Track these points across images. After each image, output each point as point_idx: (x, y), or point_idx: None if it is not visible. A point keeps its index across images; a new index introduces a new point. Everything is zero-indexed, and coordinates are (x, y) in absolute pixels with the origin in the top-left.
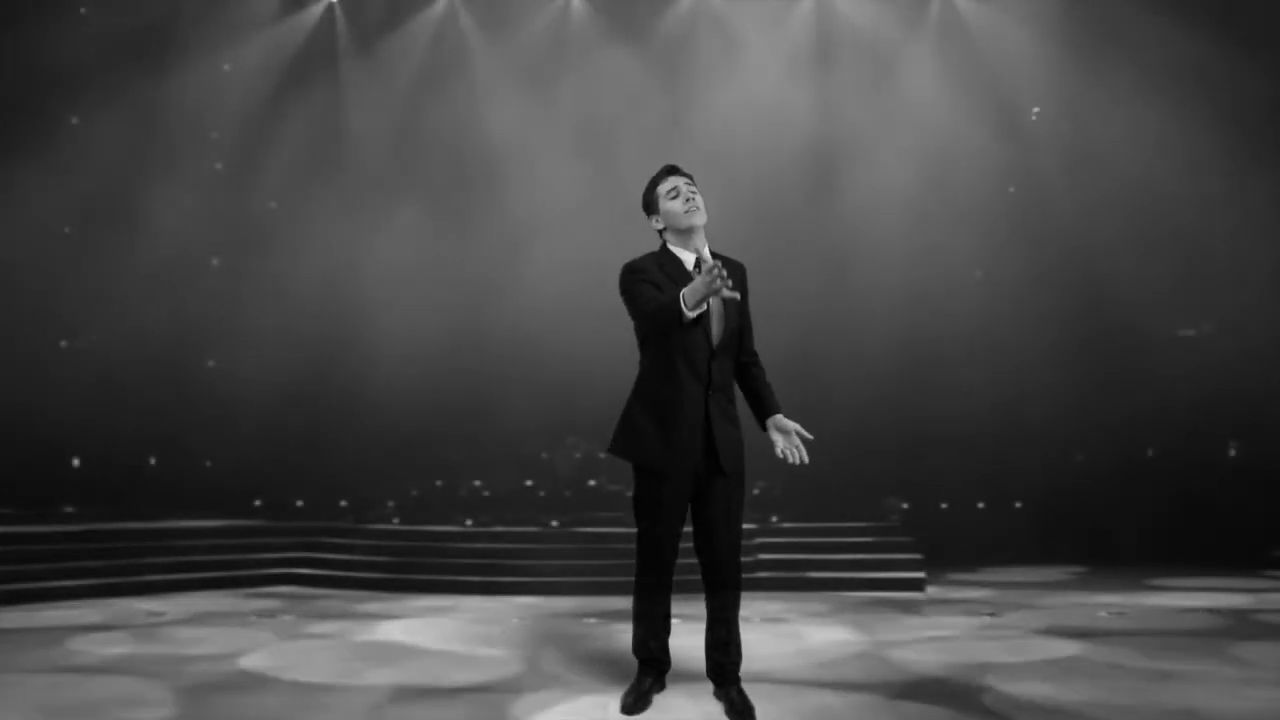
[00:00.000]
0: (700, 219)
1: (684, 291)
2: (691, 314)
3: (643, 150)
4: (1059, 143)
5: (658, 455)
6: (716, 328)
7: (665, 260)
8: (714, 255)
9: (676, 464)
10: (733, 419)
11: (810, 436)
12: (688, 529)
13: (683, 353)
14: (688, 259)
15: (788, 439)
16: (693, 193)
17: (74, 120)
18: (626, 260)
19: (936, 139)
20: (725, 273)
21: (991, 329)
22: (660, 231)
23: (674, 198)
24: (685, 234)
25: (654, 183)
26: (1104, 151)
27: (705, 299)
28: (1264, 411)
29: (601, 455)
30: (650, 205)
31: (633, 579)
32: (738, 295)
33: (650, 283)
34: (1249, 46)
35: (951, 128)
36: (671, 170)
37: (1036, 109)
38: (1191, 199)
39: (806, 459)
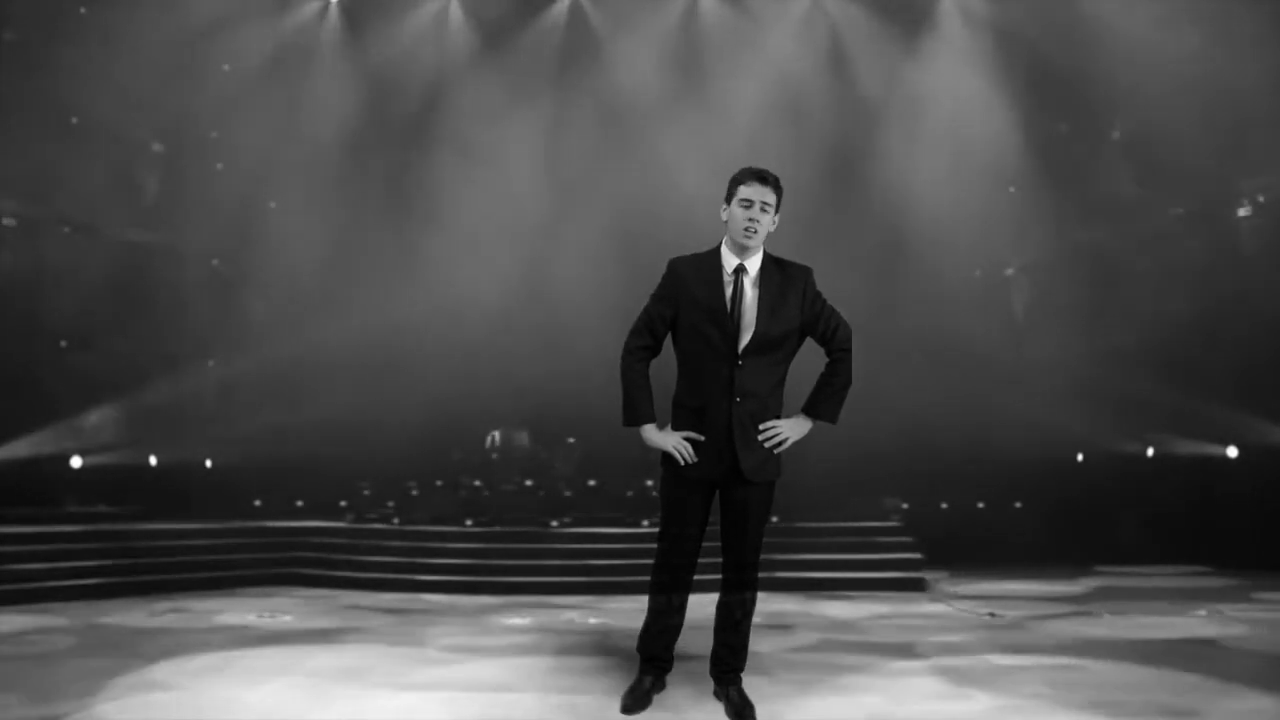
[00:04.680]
0: (753, 242)
1: (647, 428)
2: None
3: (645, 150)
4: (1059, 141)
5: (686, 464)
6: (745, 335)
7: (706, 263)
8: (775, 262)
9: (701, 473)
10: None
11: (775, 450)
12: (713, 526)
13: (707, 361)
14: (729, 265)
15: (780, 427)
16: (763, 211)
17: (73, 120)
18: (626, 261)
19: (936, 140)
20: (688, 453)
21: (991, 328)
22: (725, 221)
23: (745, 207)
24: (737, 244)
25: (739, 179)
26: (1104, 149)
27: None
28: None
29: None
30: (727, 197)
31: (632, 578)
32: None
33: (668, 298)
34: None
35: (952, 128)
36: (761, 178)
37: (1035, 109)
38: (1193, 197)
39: (766, 437)
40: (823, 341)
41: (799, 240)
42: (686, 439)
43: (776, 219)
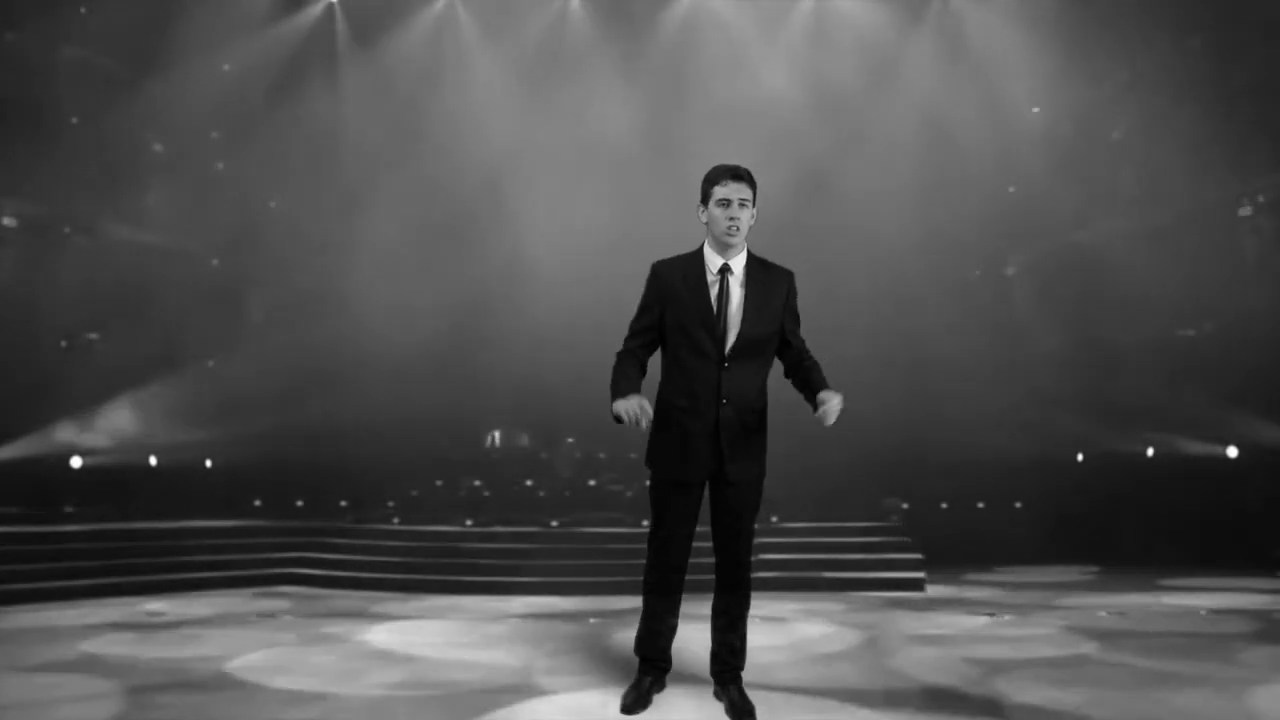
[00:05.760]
0: (736, 240)
1: (619, 403)
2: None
3: (639, 151)
4: (1059, 141)
5: (673, 467)
6: (732, 336)
7: (692, 265)
8: (760, 262)
9: (688, 475)
10: (751, 427)
11: (828, 419)
12: (703, 528)
13: (694, 363)
14: (714, 265)
15: (827, 407)
16: (741, 207)
17: (73, 120)
18: (629, 259)
19: (935, 138)
20: (644, 420)
21: (991, 328)
22: (705, 223)
23: (724, 207)
24: (721, 244)
25: (712, 179)
26: (1104, 149)
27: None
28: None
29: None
30: (703, 198)
31: (632, 578)
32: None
33: (653, 302)
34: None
35: (951, 127)
36: (735, 175)
37: (1036, 108)
38: (1193, 197)
39: (828, 420)
40: (785, 340)
41: (798, 241)
42: (665, 451)
43: (754, 213)
